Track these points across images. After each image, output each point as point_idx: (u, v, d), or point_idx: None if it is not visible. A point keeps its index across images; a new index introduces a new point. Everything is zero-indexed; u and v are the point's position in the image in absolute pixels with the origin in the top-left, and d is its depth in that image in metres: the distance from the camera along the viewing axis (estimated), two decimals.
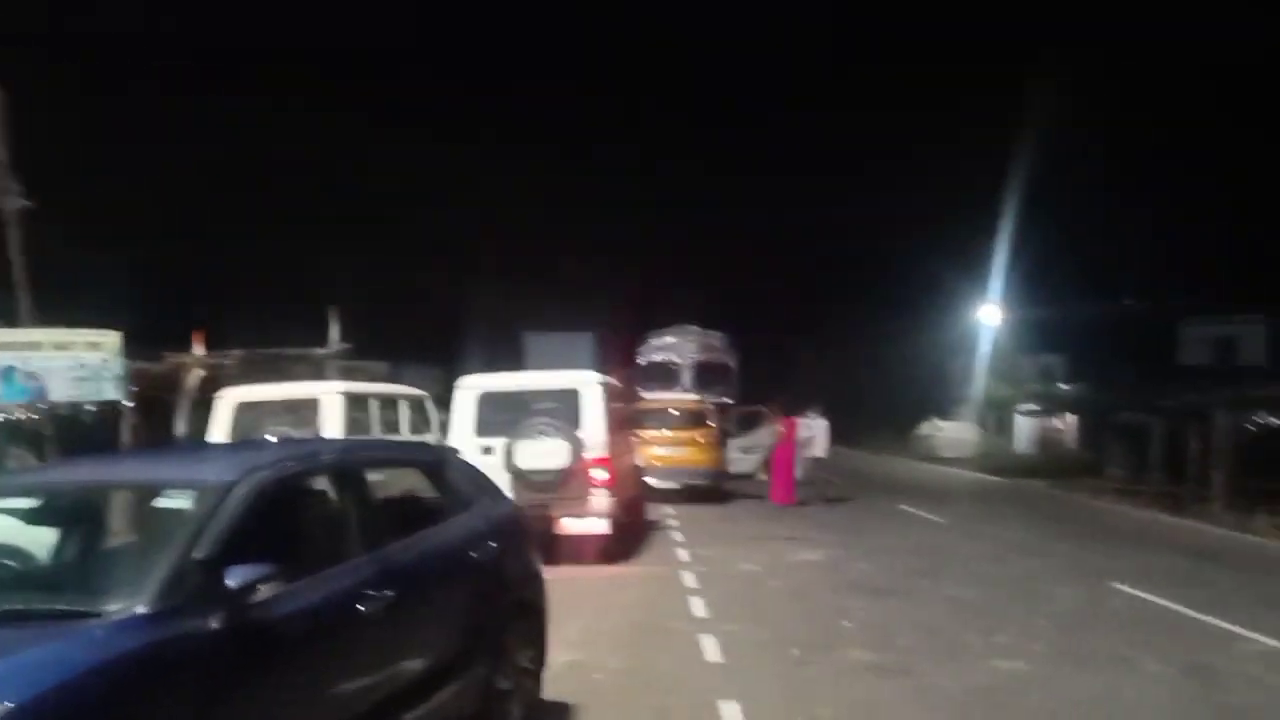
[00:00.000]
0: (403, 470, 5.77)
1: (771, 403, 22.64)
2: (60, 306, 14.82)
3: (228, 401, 11.91)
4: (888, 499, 19.78)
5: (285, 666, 3.68)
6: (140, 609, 3.23)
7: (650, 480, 16.74)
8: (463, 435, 11.62)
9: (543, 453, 11.20)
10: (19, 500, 4.31)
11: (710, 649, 7.54)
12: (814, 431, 18.90)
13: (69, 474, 4.71)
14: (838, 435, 20.23)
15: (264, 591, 3.52)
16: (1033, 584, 10.59)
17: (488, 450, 11.04)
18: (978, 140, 38.09)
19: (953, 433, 34.90)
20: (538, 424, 11.34)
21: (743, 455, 22.34)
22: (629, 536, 12.84)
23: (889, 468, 31.16)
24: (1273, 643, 7.98)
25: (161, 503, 4.14)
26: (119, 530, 4.56)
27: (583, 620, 8.23)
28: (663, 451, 18.29)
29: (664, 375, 24.75)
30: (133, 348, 13.89)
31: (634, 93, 64.13)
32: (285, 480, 4.14)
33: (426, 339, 30.31)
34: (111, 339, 13.37)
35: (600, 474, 11.50)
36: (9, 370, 12.78)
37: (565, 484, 11.20)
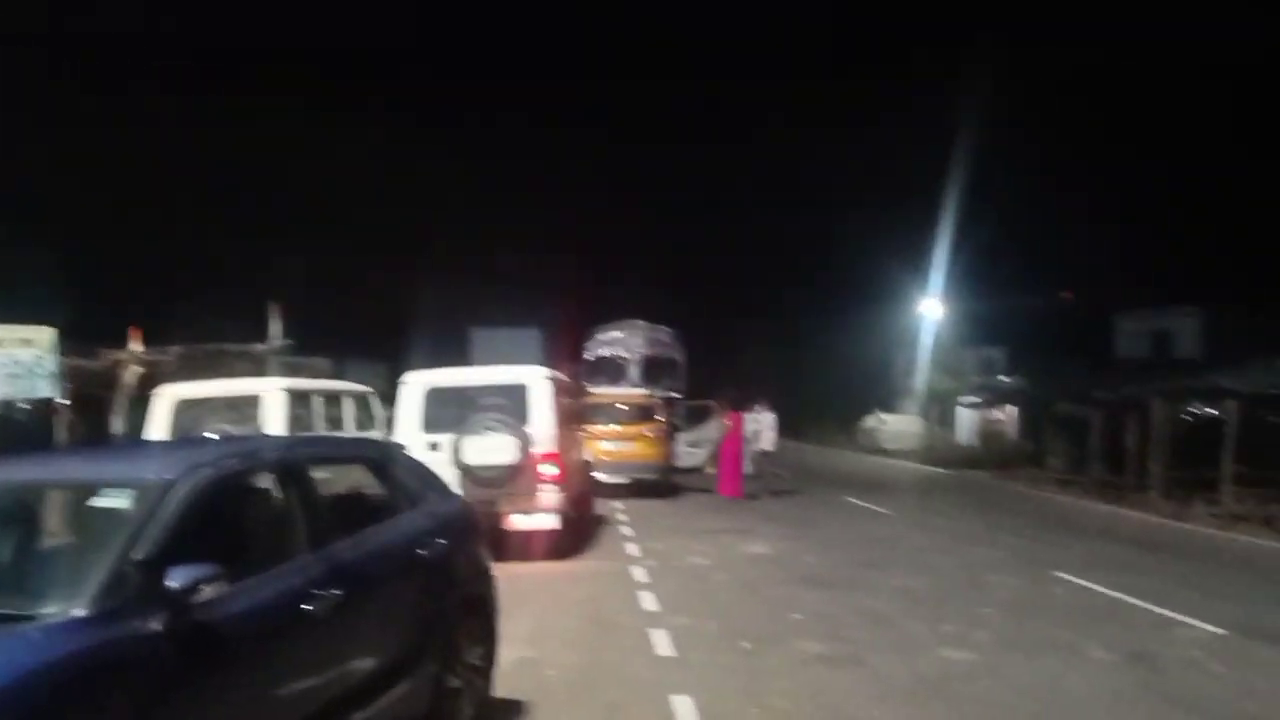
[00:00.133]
0: (348, 467, 5.65)
1: (719, 397, 22.76)
2: None
3: (166, 398, 11.63)
4: (834, 491, 19.99)
5: (230, 668, 3.59)
6: (78, 611, 3.14)
7: (599, 475, 16.70)
8: (409, 431, 11.49)
9: (490, 448, 11.10)
10: None
11: (661, 643, 7.53)
12: (761, 425, 19.04)
13: (2, 473, 4.56)
14: (784, 429, 20.36)
15: (207, 592, 3.42)
16: (978, 574, 10.74)
17: (434, 446, 10.94)
18: (920, 136, 38.65)
19: (896, 425, 35.37)
20: (485, 419, 11.23)
21: (691, 449, 22.44)
22: (578, 532, 12.81)
23: (835, 460, 31.49)
24: (1212, 629, 8.16)
25: (99, 502, 4.01)
26: (55, 531, 4.42)
27: (533, 617, 8.19)
28: (611, 446, 18.28)
29: (611, 370, 24.63)
30: (68, 344, 13.52)
31: (580, 89, 64.11)
32: (227, 478, 4.05)
33: (371, 334, 29.90)
34: (45, 335, 12.99)
35: (549, 469, 11.43)
36: None
37: (513, 480, 11.11)
